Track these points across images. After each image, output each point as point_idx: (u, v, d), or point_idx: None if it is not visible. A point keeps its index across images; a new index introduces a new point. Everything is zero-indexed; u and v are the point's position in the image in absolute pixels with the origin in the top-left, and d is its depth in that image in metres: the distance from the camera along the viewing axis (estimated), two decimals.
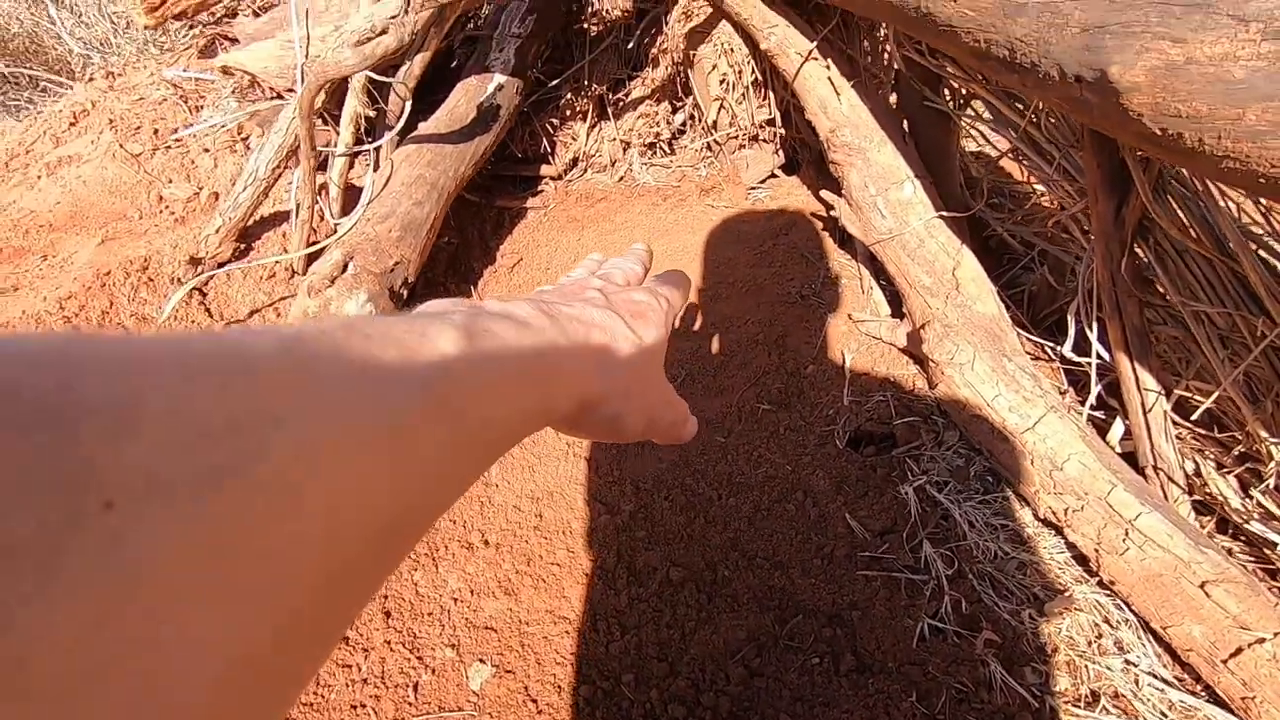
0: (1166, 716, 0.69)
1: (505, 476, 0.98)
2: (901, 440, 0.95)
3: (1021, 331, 0.98)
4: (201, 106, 1.67)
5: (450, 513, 0.94)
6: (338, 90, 1.30)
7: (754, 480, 0.93)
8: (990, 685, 0.72)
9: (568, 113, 1.55)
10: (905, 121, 1.17)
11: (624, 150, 1.58)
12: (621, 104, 1.56)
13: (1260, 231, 0.80)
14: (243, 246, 1.31)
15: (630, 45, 1.51)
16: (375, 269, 1.07)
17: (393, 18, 1.10)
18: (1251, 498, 0.81)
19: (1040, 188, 1.13)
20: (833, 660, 0.75)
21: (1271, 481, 0.78)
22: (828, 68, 1.15)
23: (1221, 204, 0.78)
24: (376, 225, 1.13)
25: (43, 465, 0.11)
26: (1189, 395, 0.84)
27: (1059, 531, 0.82)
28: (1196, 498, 0.85)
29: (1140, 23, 0.56)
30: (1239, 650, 0.67)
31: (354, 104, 1.28)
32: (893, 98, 1.23)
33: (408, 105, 1.23)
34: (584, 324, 0.31)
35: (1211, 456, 0.86)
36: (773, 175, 1.52)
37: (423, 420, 0.20)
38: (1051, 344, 1.00)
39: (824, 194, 1.21)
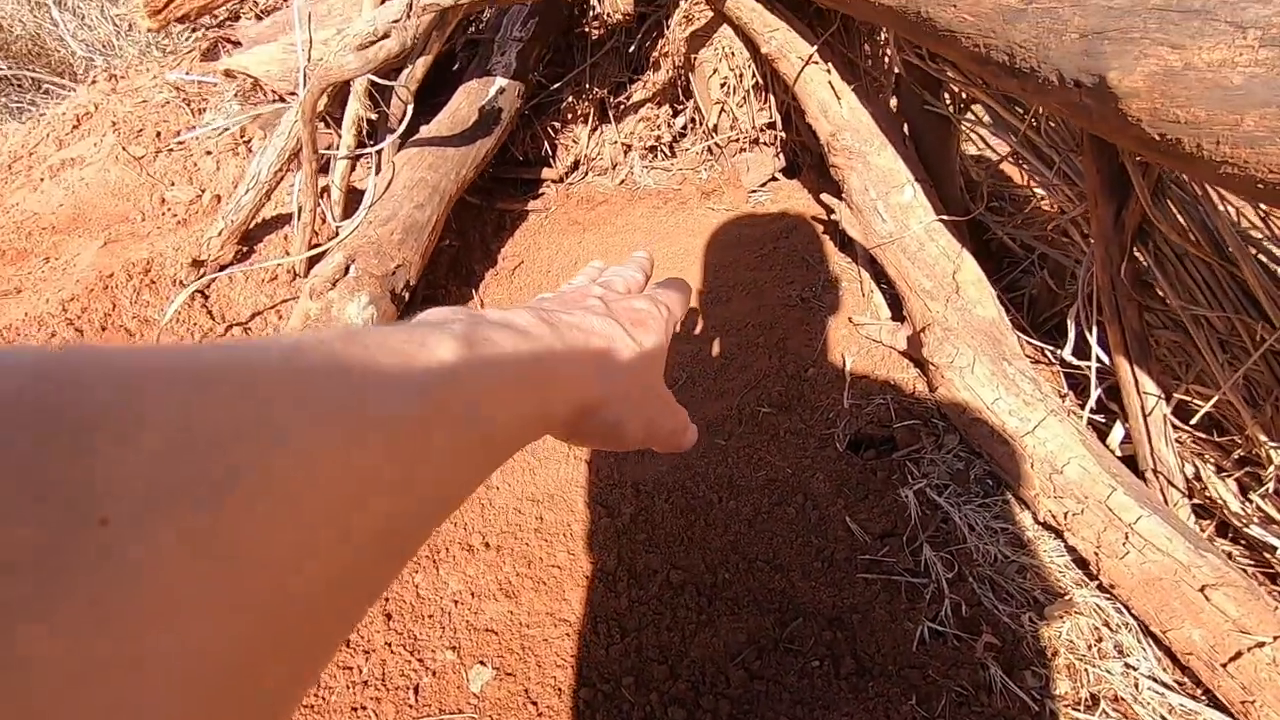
0: None
1: (506, 479, 0.98)
2: (902, 443, 0.95)
3: (1021, 335, 0.98)
4: (204, 109, 1.68)
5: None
6: (340, 93, 1.30)
7: (754, 483, 0.93)
8: (990, 689, 0.72)
9: (569, 116, 1.55)
10: (906, 125, 1.18)
11: (625, 153, 1.58)
12: (622, 107, 1.56)
13: (1259, 236, 0.80)
14: (245, 249, 1.32)
15: (631, 49, 1.52)
16: (377, 271, 1.07)
17: (395, 21, 1.11)
18: (1251, 501, 0.81)
19: (1040, 192, 1.13)
20: (833, 663, 0.75)
21: (1271, 485, 0.78)
22: (828, 72, 1.15)
23: (1221, 208, 0.78)
24: (378, 228, 1.13)
25: (42, 478, 0.12)
26: (1189, 399, 0.85)
27: (1059, 535, 0.82)
28: (1196, 501, 0.85)
29: (1139, 29, 0.56)
30: (1239, 654, 0.67)
31: (356, 107, 1.28)
32: (893, 102, 1.24)
33: (409, 108, 1.23)
34: (584, 332, 0.31)
35: (1211, 460, 0.86)
36: (773, 179, 1.52)
37: (423, 429, 0.20)
38: (1051, 347, 1.01)
39: (824, 197, 1.22)
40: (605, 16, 1.52)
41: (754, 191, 1.50)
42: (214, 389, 0.15)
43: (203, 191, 1.48)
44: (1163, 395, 0.83)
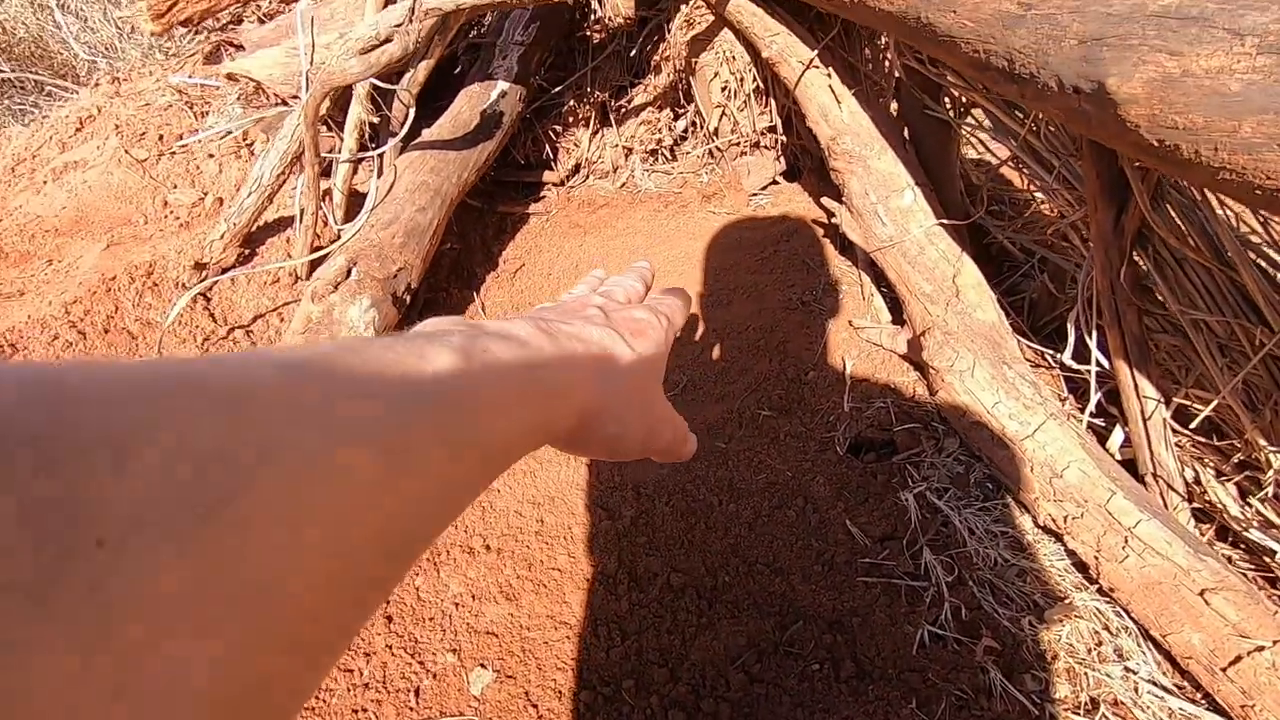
0: None
1: (506, 482, 0.99)
2: (902, 447, 0.95)
3: (1021, 339, 0.99)
4: (207, 113, 1.68)
5: (464, 511, 0.94)
6: (342, 97, 1.31)
7: (755, 486, 0.93)
8: (990, 692, 0.72)
9: (570, 119, 1.56)
10: (906, 129, 1.18)
11: (626, 157, 1.58)
12: (624, 111, 1.57)
13: (1258, 240, 0.80)
14: (247, 252, 1.32)
15: (632, 52, 1.52)
16: (379, 274, 1.07)
17: (397, 26, 1.11)
18: (1250, 505, 0.81)
19: (1040, 196, 1.13)
20: (833, 666, 0.75)
21: (1270, 489, 0.78)
22: (829, 76, 1.15)
23: (1220, 213, 0.78)
24: (380, 231, 1.13)
25: (37, 501, 0.12)
26: (1188, 403, 0.85)
27: (1059, 538, 0.82)
28: (1196, 505, 0.85)
29: (1137, 35, 0.56)
30: (1238, 658, 0.67)
31: (358, 110, 1.29)
32: (893, 106, 1.24)
33: (411, 112, 1.24)
34: (583, 342, 0.31)
35: (1211, 464, 0.86)
36: (774, 182, 1.53)
37: (421, 442, 0.20)
38: (1051, 351, 1.01)
39: (825, 201, 1.22)
40: (606, 20, 1.52)
41: (755, 195, 1.51)
42: (207, 406, 0.15)
43: (205, 194, 1.49)
44: (1162, 399, 0.83)
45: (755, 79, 1.45)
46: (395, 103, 1.29)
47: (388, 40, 1.11)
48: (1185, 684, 0.72)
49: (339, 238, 1.21)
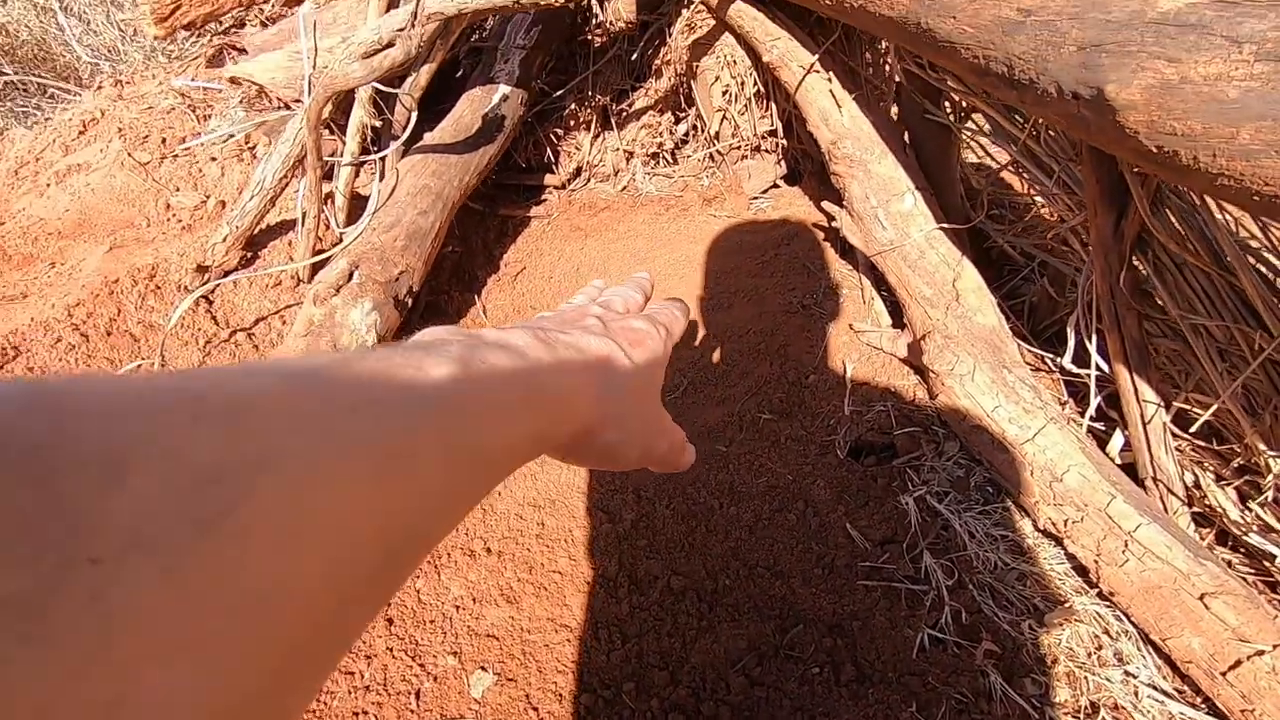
0: None
1: (507, 484, 0.99)
2: (902, 450, 0.95)
3: (1021, 343, 0.99)
4: (209, 116, 1.69)
5: (461, 521, 0.94)
6: (344, 101, 1.31)
7: (755, 489, 0.93)
8: (990, 696, 0.72)
9: (571, 123, 1.56)
10: (906, 134, 1.18)
11: (627, 160, 1.59)
12: (625, 114, 1.57)
13: (1257, 245, 0.80)
14: (249, 255, 1.33)
15: (634, 56, 1.53)
16: (380, 277, 1.08)
17: (400, 30, 1.12)
18: (1250, 510, 0.81)
19: (1040, 200, 1.13)
20: (833, 670, 0.75)
21: (1270, 494, 0.78)
22: (829, 80, 1.16)
23: (1219, 217, 0.79)
24: (382, 234, 1.14)
25: (31, 520, 0.12)
26: (1188, 407, 0.85)
27: (1059, 542, 0.82)
28: (1196, 509, 0.85)
29: (1136, 42, 0.56)
30: (1238, 662, 0.67)
31: (360, 114, 1.29)
32: (894, 110, 1.25)
33: (413, 116, 1.24)
34: (581, 351, 0.31)
35: (1211, 468, 0.86)
36: (775, 185, 1.53)
37: (420, 450, 0.20)
38: (1051, 355, 1.01)
39: (825, 205, 1.22)
40: (608, 24, 1.53)
41: (755, 198, 1.51)
42: (204, 420, 0.15)
43: (207, 197, 1.49)
44: (1162, 403, 0.83)
45: (756, 83, 1.45)
46: (397, 106, 1.29)
47: (390, 45, 1.11)
48: (1185, 688, 0.72)
49: (341, 241, 1.21)
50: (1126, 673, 0.73)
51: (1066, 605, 0.78)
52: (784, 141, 1.50)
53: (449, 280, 1.36)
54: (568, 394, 0.30)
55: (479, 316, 1.31)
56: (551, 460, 1.00)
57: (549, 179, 1.58)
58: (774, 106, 1.48)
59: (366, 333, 1.03)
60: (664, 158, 1.60)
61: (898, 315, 1.11)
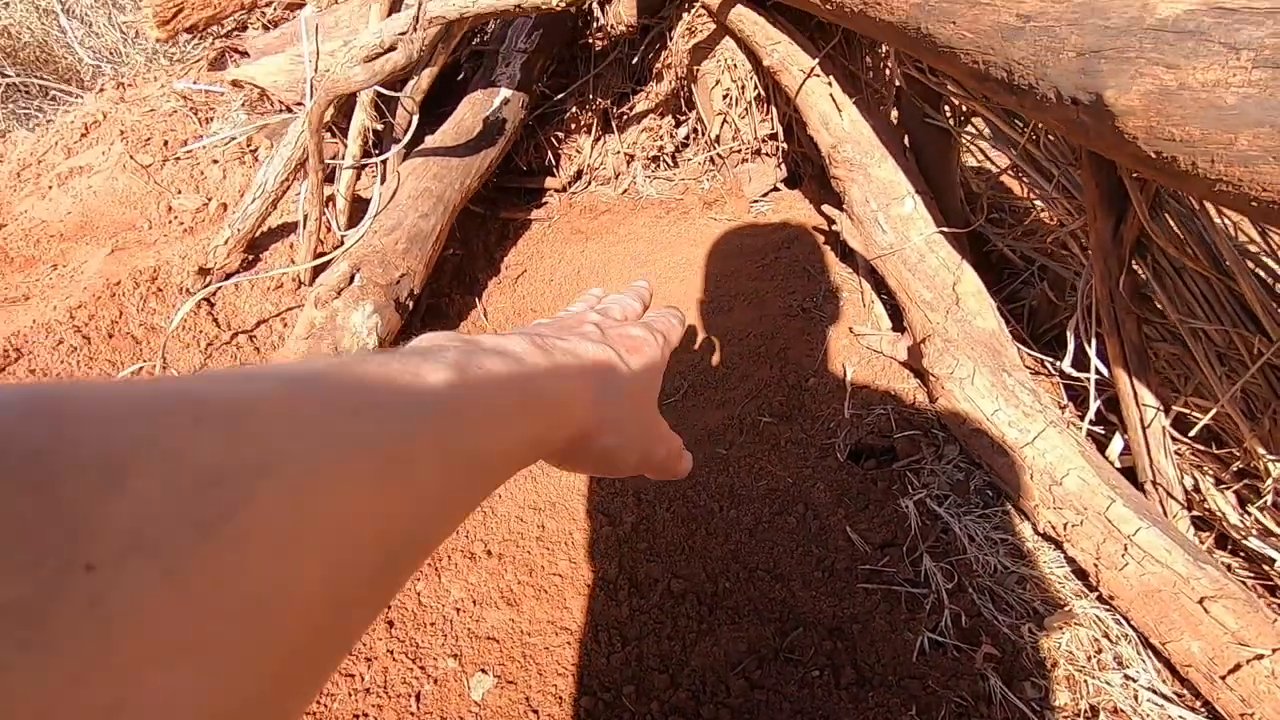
0: None
1: (508, 487, 0.99)
2: (902, 454, 0.96)
3: (1021, 346, 0.99)
4: (211, 119, 1.69)
5: (459, 525, 0.95)
6: (346, 103, 1.32)
7: (755, 492, 0.94)
8: (990, 700, 0.72)
9: (572, 126, 1.57)
10: (906, 138, 1.19)
11: (628, 163, 1.59)
12: (626, 118, 1.58)
13: (1256, 250, 0.81)
14: (251, 257, 1.33)
15: (635, 60, 1.53)
16: (381, 280, 1.08)
17: (401, 34, 1.12)
18: (1249, 514, 0.81)
19: (1040, 204, 1.14)
20: (833, 673, 0.75)
21: (1269, 498, 0.78)
22: (829, 84, 1.16)
23: (1218, 221, 0.79)
24: (383, 237, 1.14)
25: (29, 526, 0.12)
26: (1187, 411, 0.85)
27: (1058, 546, 0.83)
28: (1195, 513, 0.85)
29: (1134, 48, 0.57)
30: (1238, 666, 0.68)
31: (362, 117, 1.30)
32: (894, 114, 1.25)
33: (415, 119, 1.25)
34: (578, 358, 0.31)
35: (1210, 472, 0.86)
36: (775, 189, 1.53)
37: (419, 455, 0.20)
38: (1051, 359, 1.01)
39: (825, 208, 1.22)
40: (609, 28, 1.53)
41: (756, 202, 1.51)
42: (207, 422, 0.15)
43: (209, 200, 1.49)
44: (1161, 407, 0.84)
45: (756, 87, 1.46)
46: (399, 109, 1.30)
47: (392, 48, 1.11)
48: (1185, 692, 0.72)
49: (342, 244, 1.22)
50: (1126, 676, 0.73)
51: (1066, 609, 0.78)
52: (784, 145, 1.50)
53: (450, 283, 1.36)
54: (564, 400, 0.30)
55: (480, 319, 1.32)
56: (561, 469, 1.01)
57: (550, 182, 1.58)
58: (774, 110, 1.48)
59: (368, 335, 1.03)
60: (664, 161, 1.60)
61: (898, 319, 1.11)
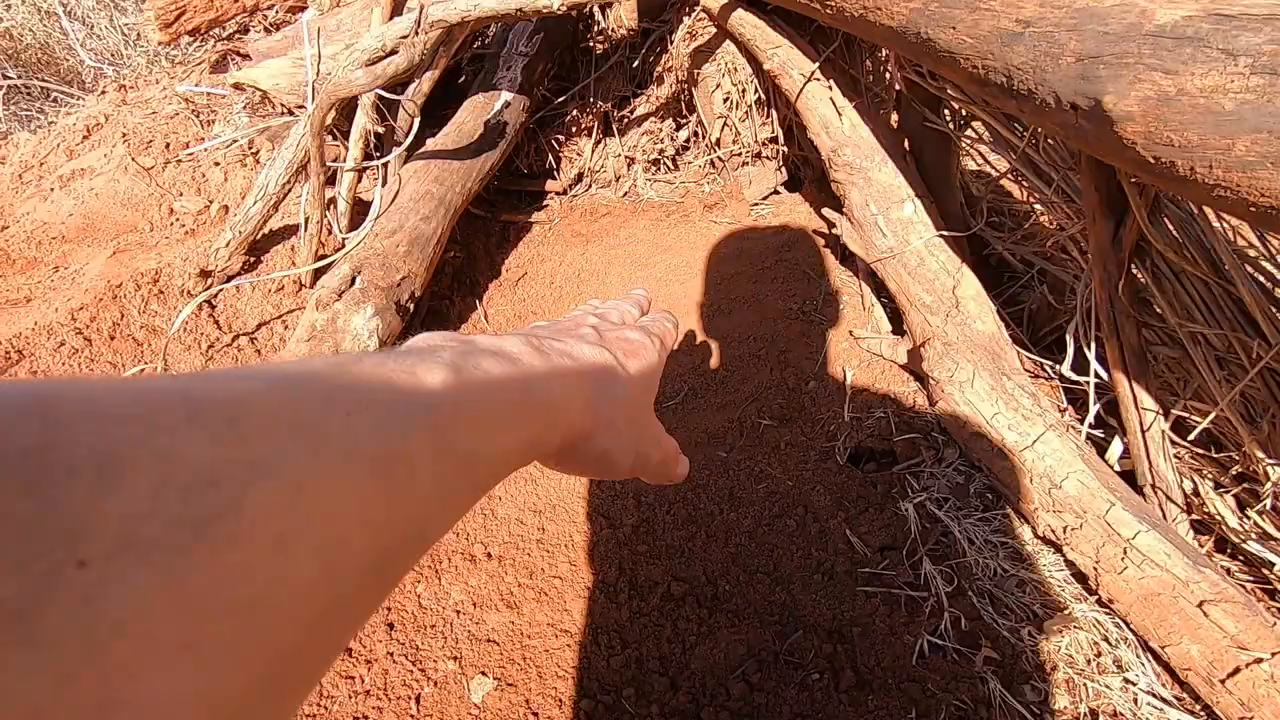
0: None
1: (508, 489, 0.99)
2: (902, 456, 0.96)
3: (1021, 350, 0.99)
4: (213, 121, 1.70)
5: (454, 525, 0.95)
6: (347, 106, 1.32)
7: (755, 495, 0.94)
8: (989, 703, 0.72)
9: (573, 129, 1.57)
10: (906, 141, 1.19)
11: (628, 166, 1.60)
12: (626, 121, 1.58)
13: (1255, 254, 0.81)
14: (252, 260, 1.33)
15: (635, 64, 1.54)
16: (382, 283, 1.08)
17: (403, 38, 1.12)
18: (1249, 518, 0.81)
19: (1040, 208, 1.14)
20: (833, 676, 0.75)
21: (1268, 502, 0.79)
22: (830, 88, 1.17)
23: (1217, 226, 0.79)
24: (384, 240, 1.14)
25: (21, 525, 0.11)
26: (1187, 415, 0.85)
27: (1058, 549, 0.83)
28: (1195, 517, 0.85)
29: (1133, 54, 0.57)
30: (1237, 670, 0.68)
31: (363, 120, 1.30)
32: (894, 118, 1.25)
33: (416, 122, 1.25)
34: (574, 359, 0.31)
35: (1209, 476, 0.86)
36: (775, 192, 1.54)
37: (413, 456, 0.20)
38: (1050, 362, 1.01)
39: (826, 212, 1.23)
40: (610, 32, 1.54)
41: (756, 205, 1.52)
42: (200, 422, 0.15)
43: (211, 202, 1.50)
44: (1161, 411, 0.84)
45: (757, 90, 1.46)
46: (400, 113, 1.30)
47: (393, 52, 1.12)
48: (1184, 695, 0.72)
49: (343, 246, 1.22)
50: (1125, 680, 0.73)
51: (1066, 612, 0.78)
52: (785, 148, 1.51)
53: (451, 285, 1.36)
54: (560, 401, 0.29)
55: (480, 322, 1.32)
56: (557, 471, 1.01)
57: (550, 185, 1.59)
58: (775, 113, 1.48)
59: (369, 338, 1.03)
60: (665, 164, 1.61)
61: (897, 322, 1.12)
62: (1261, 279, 0.79)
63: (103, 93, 1.98)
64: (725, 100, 1.48)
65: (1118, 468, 0.90)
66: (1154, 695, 0.72)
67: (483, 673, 0.79)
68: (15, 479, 0.12)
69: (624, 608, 0.83)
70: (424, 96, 1.26)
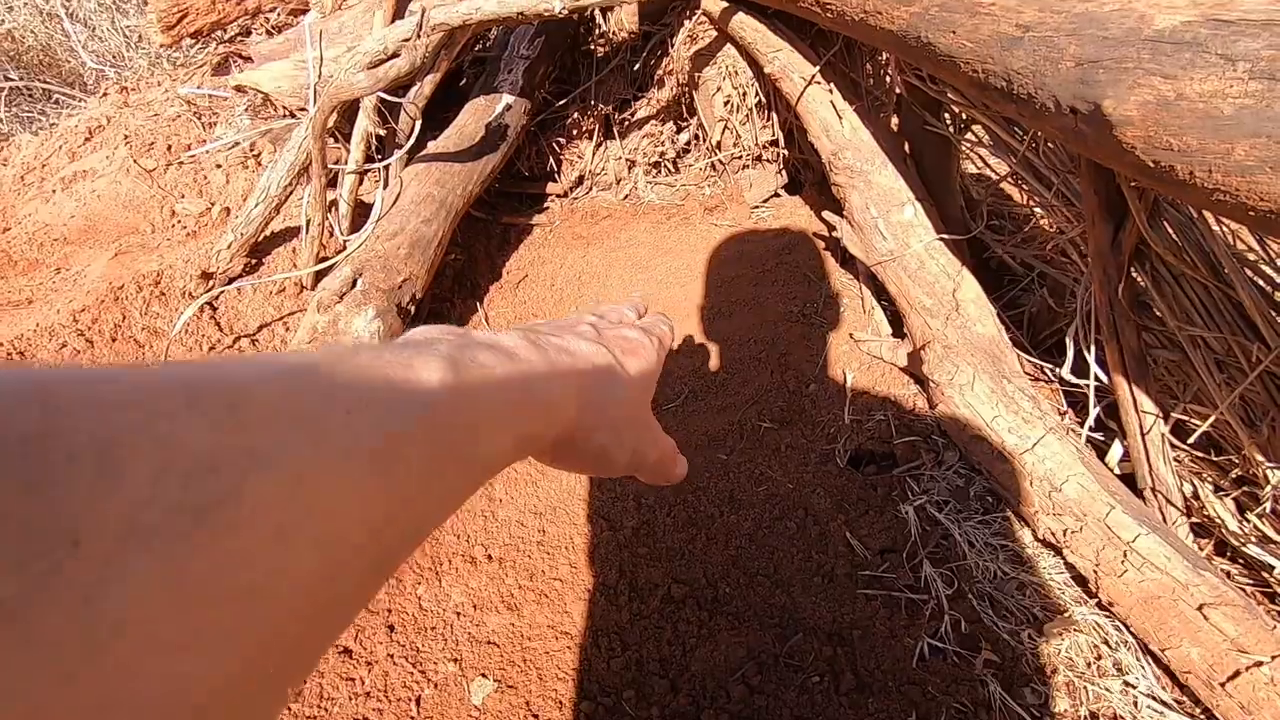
0: None
1: (509, 491, 0.99)
2: (902, 459, 0.96)
3: (1021, 353, 0.99)
4: (215, 123, 1.70)
5: (454, 527, 0.95)
6: (349, 109, 1.32)
7: (755, 498, 0.94)
8: (989, 706, 0.72)
9: (574, 132, 1.58)
10: (906, 145, 1.19)
11: (629, 169, 1.60)
12: (627, 124, 1.58)
13: (1255, 258, 0.81)
14: (253, 262, 1.33)
15: (636, 67, 1.54)
16: (383, 285, 1.09)
17: (405, 41, 1.13)
18: (1249, 521, 0.81)
19: (1039, 211, 1.14)
20: (833, 679, 0.75)
21: (1268, 505, 0.79)
22: (830, 91, 1.17)
23: (1216, 229, 0.79)
24: (385, 242, 1.14)
25: (22, 524, 0.11)
26: (1186, 418, 0.85)
27: (1058, 552, 0.83)
28: (1194, 520, 0.85)
29: (1133, 59, 0.57)
30: (1237, 673, 0.68)
31: (365, 123, 1.30)
32: (894, 121, 1.26)
33: (417, 125, 1.25)
34: (571, 355, 0.31)
35: (1209, 479, 0.86)
36: (776, 195, 1.54)
37: (408, 452, 0.20)
38: (1050, 365, 1.01)
39: (826, 215, 1.23)
40: (611, 35, 1.55)
41: (756, 208, 1.52)
42: (200, 411, 0.15)
43: (212, 204, 1.50)
44: (1161, 414, 0.84)
45: (757, 93, 1.47)
46: (402, 115, 1.30)
47: (395, 55, 1.12)
48: (1184, 698, 0.72)
49: (345, 248, 1.22)
50: (1125, 683, 0.73)
51: (1066, 615, 0.78)
52: (785, 151, 1.51)
53: (452, 288, 1.36)
54: (557, 396, 0.29)
55: (481, 324, 1.32)
56: (553, 468, 1.01)
57: (551, 187, 1.59)
58: (775, 117, 1.49)
59: (370, 340, 1.03)
60: (666, 167, 1.61)
61: (898, 325, 1.12)
62: (1261, 283, 0.79)
63: (105, 95, 1.98)
64: (726, 103, 1.49)
65: (1118, 471, 0.90)
66: (1154, 698, 0.72)
67: (483, 675, 0.79)
68: (14, 468, 0.12)
69: (624, 610, 0.83)
70: (425, 99, 1.26)
